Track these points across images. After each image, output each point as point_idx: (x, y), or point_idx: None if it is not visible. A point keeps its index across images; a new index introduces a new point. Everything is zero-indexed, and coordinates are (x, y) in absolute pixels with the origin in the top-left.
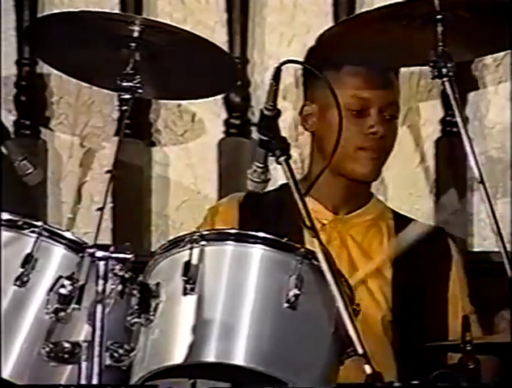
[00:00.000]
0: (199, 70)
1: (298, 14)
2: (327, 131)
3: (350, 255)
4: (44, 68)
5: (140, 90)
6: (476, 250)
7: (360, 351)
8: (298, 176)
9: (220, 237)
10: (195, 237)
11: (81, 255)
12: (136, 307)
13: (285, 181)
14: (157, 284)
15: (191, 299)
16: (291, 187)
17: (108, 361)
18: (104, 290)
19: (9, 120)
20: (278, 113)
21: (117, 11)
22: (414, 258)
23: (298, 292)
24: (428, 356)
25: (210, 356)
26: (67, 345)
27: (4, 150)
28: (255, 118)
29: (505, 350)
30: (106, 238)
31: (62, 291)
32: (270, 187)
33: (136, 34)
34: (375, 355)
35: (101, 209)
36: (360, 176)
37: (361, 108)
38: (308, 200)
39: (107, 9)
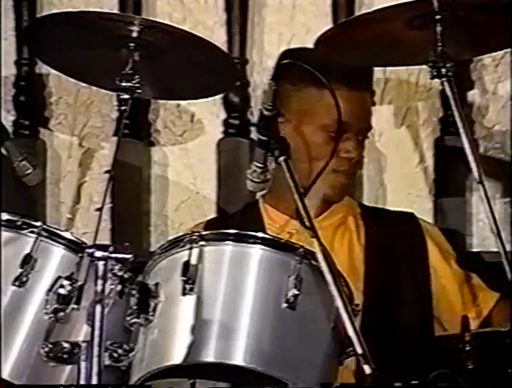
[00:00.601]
0: (198, 70)
1: (297, 14)
2: (299, 146)
3: None
4: (42, 68)
5: (139, 91)
6: (475, 250)
7: (359, 351)
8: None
9: (220, 237)
10: (194, 237)
11: (80, 255)
12: (135, 307)
13: (249, 201)
14: (157, 285)
15: (190, 299)
16: (254, 206)
17: (107, 361)
18: (103, 290)
19: (8, 120)
20: (277, 113)
21: (116, 11)
22: (387, 248)
23: (297, 292)
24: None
25: (209, 356)
26: (66, 345)
27: (3, 151)
28: (254, 118)
29: (505, 348)
30: (105, 238)
31: (61, 291)
32: None
33: (135, 34)
34: None
35: (100, 209)
36: (327, 197)
37: (339, 131)
38: (272, 211)
39: (106, 9)
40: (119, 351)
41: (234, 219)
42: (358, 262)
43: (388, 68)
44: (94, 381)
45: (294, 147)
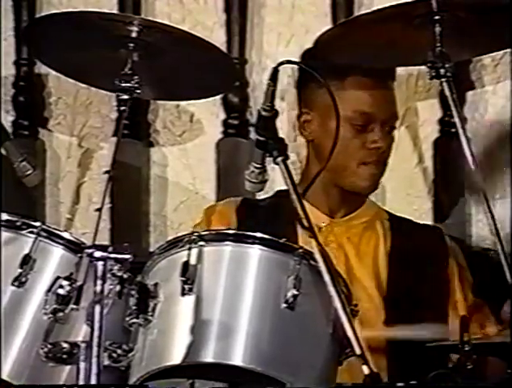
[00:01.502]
0: (197, 71)
1: (296, 14)
2: (328, 140)
3: (347, 257)
4: (42, 68)
5: (138, 91)
6: (474, 250)
7: (358, 351)
8: (296, 177)
9: (219, 237)
10: (193, 237)
11: (79, 255)
12: (134, 307)
13: (281, 187)
14: (156, 285)
15: (189, 299)
16: (286, 194)
17: (106, 362)
18: (102, 290)
19: (7, 120)
20: (275, 114)
21: (115, 11)
22: (410, 258)
23: (296, 292)
24: (426, 355)
25: (208, 356)
26: (65, 345)
27: (3, 151)
28: (253, 118)
29: (505, 350)
30: (104, 238)
31: (60, 291)
32: (268, 188)
33: (134, 34)
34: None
35: (99, 210)
36: (360, 190)
37: (364, 123)
38: (304, 203)
39: (106, 9)
40: (119, 351)
41: (268, 204)
42: (381, 267)
43: None
44: (94, 381)
45: (323, 144)
